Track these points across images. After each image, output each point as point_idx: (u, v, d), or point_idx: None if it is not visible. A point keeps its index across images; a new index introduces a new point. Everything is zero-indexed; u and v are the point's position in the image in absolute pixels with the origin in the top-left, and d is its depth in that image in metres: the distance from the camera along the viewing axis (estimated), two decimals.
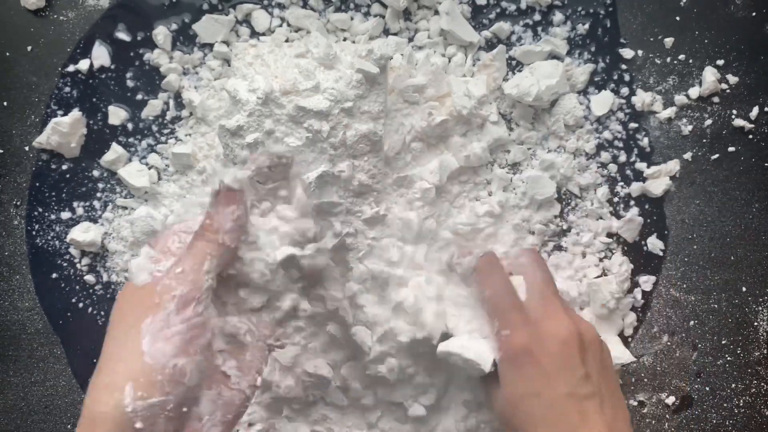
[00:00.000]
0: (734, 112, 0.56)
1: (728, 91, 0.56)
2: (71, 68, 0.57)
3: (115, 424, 0.35)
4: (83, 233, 0.56)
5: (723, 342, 0.56)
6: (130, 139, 0.57)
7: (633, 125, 0.56)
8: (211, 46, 0.56)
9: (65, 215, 0.57)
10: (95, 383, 0.37)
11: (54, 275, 0.57)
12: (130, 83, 0.57)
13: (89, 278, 0.57)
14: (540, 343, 0.45)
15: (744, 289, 0.56)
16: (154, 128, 0.57)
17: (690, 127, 0.56)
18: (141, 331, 0.37)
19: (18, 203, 0.58)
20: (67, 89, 0.57)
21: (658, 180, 0.56)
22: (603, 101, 0.56)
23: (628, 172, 0.56)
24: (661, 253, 0.56)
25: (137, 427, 0.35)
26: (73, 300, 0.57)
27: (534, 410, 0.44)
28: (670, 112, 0.56)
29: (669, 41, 0.56)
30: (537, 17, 0.56)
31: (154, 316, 0.38)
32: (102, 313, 0.57)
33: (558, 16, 0.56)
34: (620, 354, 0.54)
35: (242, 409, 0.41)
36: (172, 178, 0.57)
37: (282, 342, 0.47)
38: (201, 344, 0.39)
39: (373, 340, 0.51)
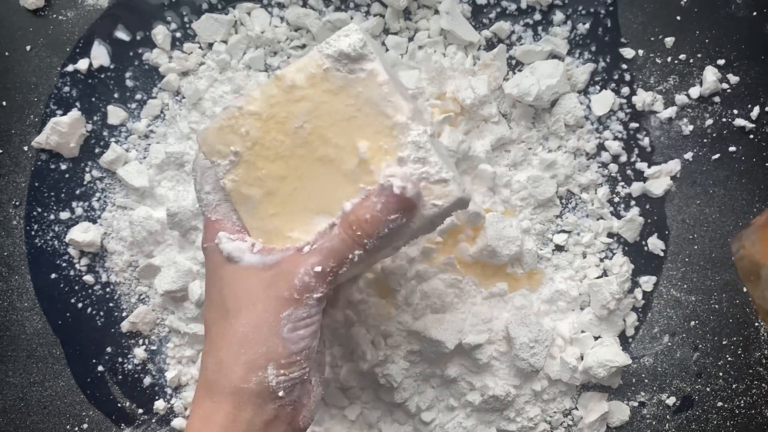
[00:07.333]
0: (735, 111, 0.56)
1: (729, 90, 0.56)
2: (70, 68, 0.57)
3: (260, 397, 0.39)
4: (82, 233, 0.56)
5: (724, 342, 0.56)
6: (130, 139, 0.57)
7: (634, 125, 0.56)
8: (210, 45, 0.56)
9: (64, 215, 0.57)
10: (225, 360, 0.39)
11: (53, 275, 0.57)
12: (129, 83, 0.57)
13: (88, 278, 0.57)
14: None
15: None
16: (154, 128, 0.57)
17: (691, 127, 0.56)
18: (280, 320, 0.39)
19: (17, 203, 0.57)
20: (67, 89, 0.57)
21: (659, 180, 0.56)
22: (603, 101, 0.56)
23: (629, 171, 0.56)
24: (661, 254, 0.56)
25: (279, 395, 0.39)
26: (72, 300, 0.57)
27: None
28: (670, 111, 0.56)
29: (670, 41, 0.56)
30: (537, 17, 0.56)
31: (296, 310, 0.39)
32: (101, 313, 0.57)
33: (558, 16, 0.56)
34: (616, 356, 0.53)
35: (324, 369, 0.46)
36: (171, 177, 0.57)
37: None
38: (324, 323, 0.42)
39: (376, 345, 0.51)
